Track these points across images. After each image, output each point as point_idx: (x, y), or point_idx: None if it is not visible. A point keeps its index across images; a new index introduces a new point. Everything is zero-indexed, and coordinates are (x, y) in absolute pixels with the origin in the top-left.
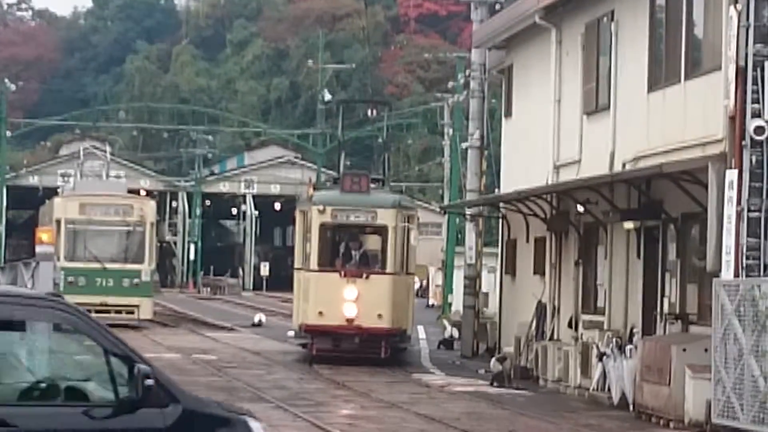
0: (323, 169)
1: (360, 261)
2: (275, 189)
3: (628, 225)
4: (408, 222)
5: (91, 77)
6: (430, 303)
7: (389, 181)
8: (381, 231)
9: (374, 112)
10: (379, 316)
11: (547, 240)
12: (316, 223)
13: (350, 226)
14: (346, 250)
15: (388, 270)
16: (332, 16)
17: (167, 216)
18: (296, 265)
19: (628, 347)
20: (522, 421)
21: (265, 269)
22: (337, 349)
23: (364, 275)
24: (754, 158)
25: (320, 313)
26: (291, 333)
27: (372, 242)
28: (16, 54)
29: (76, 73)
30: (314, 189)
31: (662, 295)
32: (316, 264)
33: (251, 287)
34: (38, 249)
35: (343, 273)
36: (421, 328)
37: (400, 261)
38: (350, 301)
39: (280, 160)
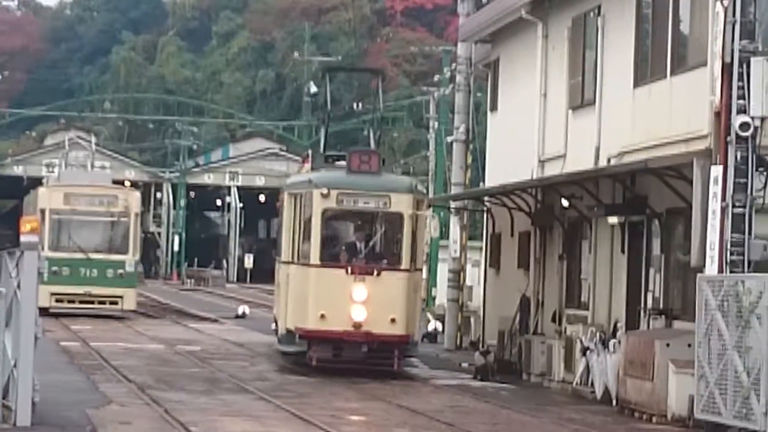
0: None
1: (369, 255)
2: (260, 181)
3: (613, 220)
4: (419, 209)
5: (77, 68)
6: None
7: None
8: (395, 219)
9: (360, 105)
10: (392, 320)
11: (531, 234)
12: (318, 209)
13: (359, 213)
14: (352, 242)
15: (403, 266)
16: (318, 9)
17: (152, 207)
18: (283, 258)
19: (612, 342)
20: (505, 415)
21: (249, 261)
22: (340, 360)
23: (375, 272)
24: (739, 154)
25: (322, 316)
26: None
27: (381, 232)
28: (1, 44)
29: (61, 63)
30: (312, 167)
31: (646, 290)
32: (317, 258)
33: (235, 279)
34: (23, 239)
35: (350, 269)
36: None
37: (414, 255)
38: (359, 303)
39: (264, 152)
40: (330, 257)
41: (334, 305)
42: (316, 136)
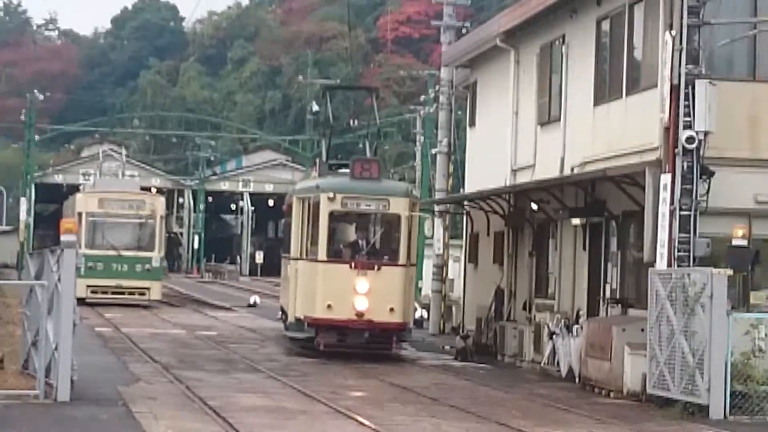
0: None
1: (370, 252)
2: (269, 188)
3: (576, 221)
4: (414, 211)
5: (109, 89)
6: None
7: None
8: (393, 220)
9: (356, 121)
10: (391, 310)
11: (505, 234)
12: (324, 211)
13: (361, 214)
14: (355, 240)
15: (400, 262)
16: (320, 38)
17: (175, 210)
18: (291, 255)
19: (575, 327)
20: (482, 391)
21: (259, 257)
22: (344, 344)
23: (376, 267)
24: (685, 164)
25: (329, 306)
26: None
27: (381, 232)
28: (44, 69)
29: (96, 85)
30: (319, 174)
31: (605, 283)
32: (324, 255)
33: (248, 273)
34: (63, 238)
35: (353, 265)
36: None
37: (409, 252)
38: (361, 295)
39: (273, 162)
40: (335, 254)
41: (339, 296)
42: (318, 149)
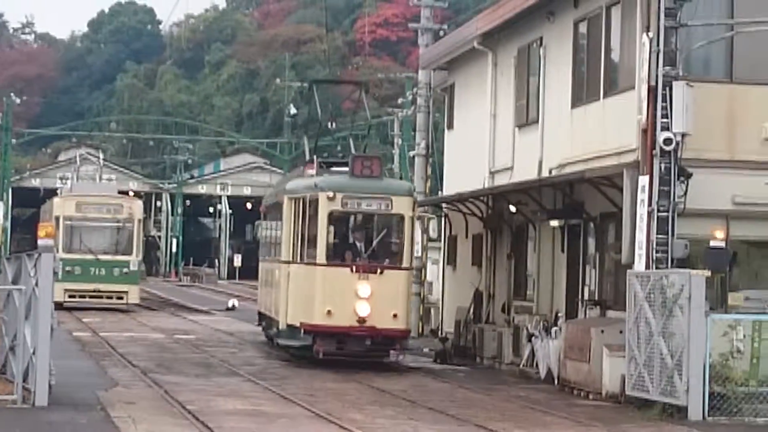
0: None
1: (372, 254)
2: (247, 191)
3: (554, 223)
4: (415, 211)
5: (86, 93)
6: None
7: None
8: (396, 220)
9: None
10: (395, 316)
11: (483, 236)
12: (323, 211)
13: (362, 214)
14: (355, 242)
15: (404, 265)
16: (297, 41)
17: (153, 214)
18: (283, 258)
19: (554, 329)
20: (461, 393)
21: (237, 260)
22: (344, 352)
23: (379, 271)
24: (663, 166)
25: (329, 312)
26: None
27: (382, 233)
28: (20, 72)
29: (73, 89)
30: (316, 172)
31: (583, 284)
32: (323, 258)
33: (226, 276)
34: (40, 242)
35: (354, 268)
36: None
37: (410, 254)
38: (363, 300)
39: (251, 165)
40: (335, 256)
41: (339, 302)
42: (296, 151)
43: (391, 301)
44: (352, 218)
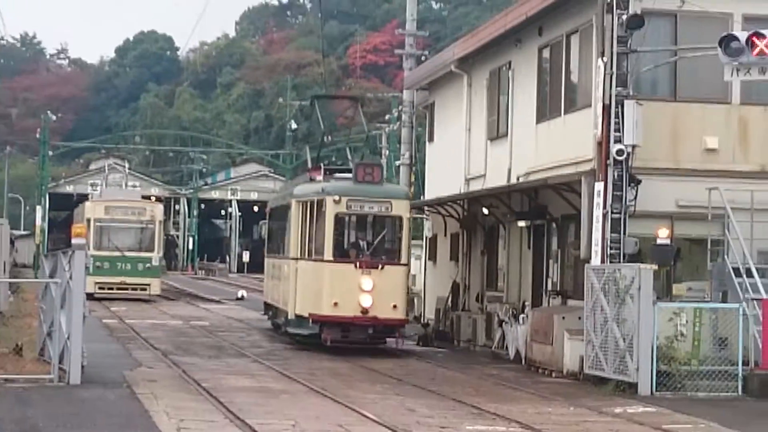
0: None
1: (373, 251)
2: (254, 195)
3: (521, 223)
4: (411, 212)
5: (113, 110)
6: None
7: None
8: (395, 221)
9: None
10: (394, 307)
11: (460, 235)
12: (330, 213)
13: (365, 216)
14: (357, 241)
15: (402, 261)
16: (297, 65)
17: (172, 216)
18: (291, 255)
19: (521, 316)
20: (441, 372)
21: (246, 256)
22: (348, 340)
23: (380, 266)
24: (616, 173)
25: (335, 304)
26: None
27: (382, 232)
28: (56, 93)
29: (101, 107)
30: (323, 178)
31: (547, 277)
32: (330, 255)
33: (236, 270)
34: (74, 241)
35: (358, 264)
36: None
37: (409, 251)
38: (366, 292)
39: (257, 173)
40: (341, 254)
41: (345, 294)
42: (297, 161)
43: (391, 294)
44: (355, 219)
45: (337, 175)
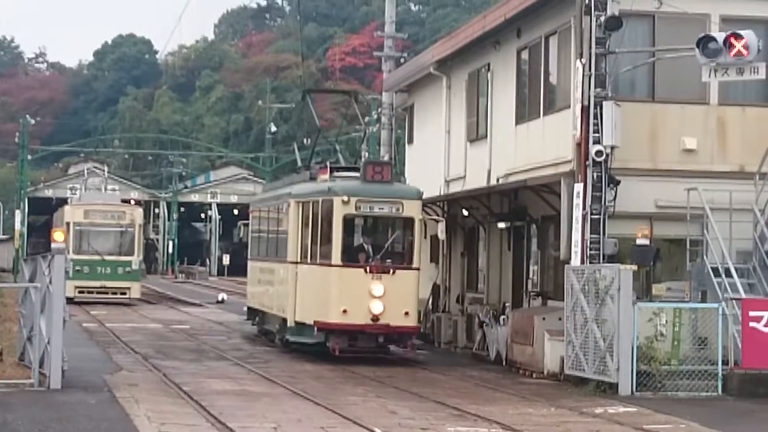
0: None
1: (384, 255)
2: (234, 198)
3: (501, 225)
4: (422, 214)
5: (92, 114)
6: None
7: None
8: (407, 223)
9: (308, 140)
10: (406, 313)
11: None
12: (338, 214)
13: (375, 217)
14: (368, 244)
15: (414, 265)
16: (276, 67)
17: (151, 219)
18: (289, 258)
19: (502, 317)
20: (422, 374)
21: (226, 260)
22: (355, 348)
23: (391, 271)
24: (595, 175)
25: (344, 311)
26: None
27: (393, 235)
28: (34, 96)
29: (80, 111)
30: (329, 178)
31: (527, 278)
32: (338, 259)
33: (216, 273)
34: (53, 245)
35: (368, 269)
36: None
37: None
38: (377, 299)
39: (237, 176)
40: (349, 258)
41: (354, 301)
42: (276, 164)
43: (403, 300)
44: (364, 221)
45: (342, 174)
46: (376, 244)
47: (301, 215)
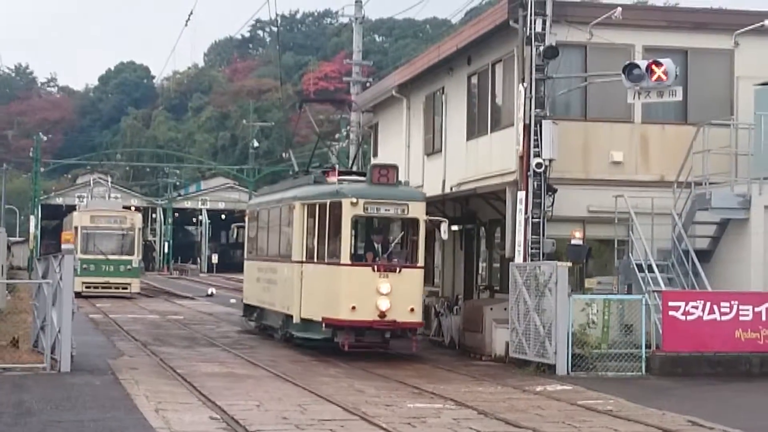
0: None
1: (391, 254)
2: (221, 205)
3: (454, 227)
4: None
5: (97, 131)
6: None
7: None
8: (412, 224)
9: (286, 153)
10: (411, 310)
11: None
12: (347, 215)
13: (381, 218)
14: (375, 243)
15: (419, 264)
16: (258, 90)
17: (149, 223)
18: (294, 258)
19: (455, 308)
20: (385, 357)
21: (215, 258)
22: (363, 344)
23: (398, 269)
24: (535, 184)
25: (353, 308)
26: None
27: (399, 235)
28: (46, 116)
29: (87, 129)
30: (338, 180)
31: (477, 274)
32: (347, 258)
33: (206, 270)
34: (63, 246)
35: (376, 267)
36: None
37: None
38: (384, 296)
39: (224, 186)
40: (357, 257)
41: (362, 298)
42: (259, 175)
43: (409, 297)
44: (371, 222)
45: (348, 177)
46: (383, 244)
47: (307, 216)
